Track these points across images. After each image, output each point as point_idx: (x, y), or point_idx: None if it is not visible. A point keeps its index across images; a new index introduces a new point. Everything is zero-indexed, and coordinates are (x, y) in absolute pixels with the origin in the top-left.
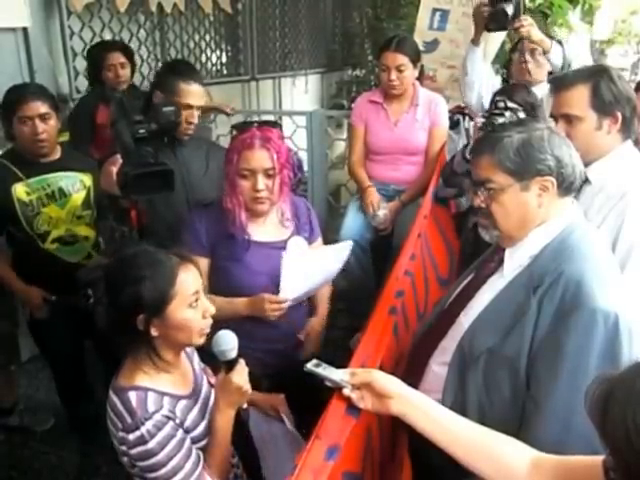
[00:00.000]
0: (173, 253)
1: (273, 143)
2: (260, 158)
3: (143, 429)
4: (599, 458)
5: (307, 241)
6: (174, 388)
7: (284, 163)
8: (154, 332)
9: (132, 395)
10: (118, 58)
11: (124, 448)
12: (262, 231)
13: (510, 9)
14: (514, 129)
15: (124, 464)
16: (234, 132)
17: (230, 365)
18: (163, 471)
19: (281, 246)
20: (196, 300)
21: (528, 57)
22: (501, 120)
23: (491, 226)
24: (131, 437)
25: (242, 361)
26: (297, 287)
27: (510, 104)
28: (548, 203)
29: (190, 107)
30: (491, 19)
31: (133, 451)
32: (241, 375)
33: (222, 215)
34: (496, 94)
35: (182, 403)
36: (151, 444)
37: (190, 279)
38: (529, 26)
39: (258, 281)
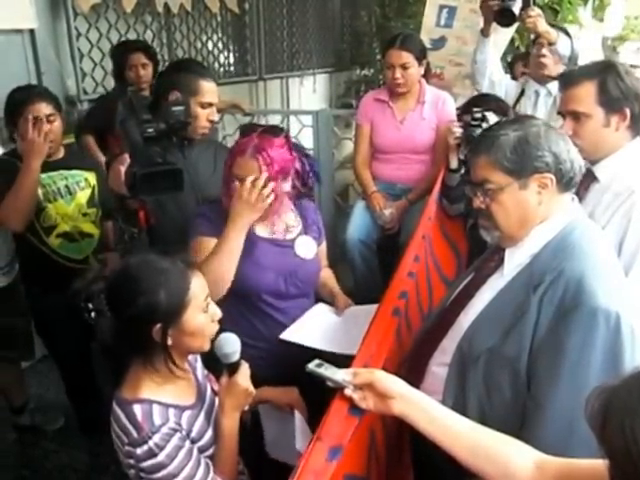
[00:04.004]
0: (178, 259)
1: (265, 154)
2: (248, 167)
3: (151, 443)
4: (604, 462)
5: (316, 240)
6: (178, 399)
7: (277, 175)
8: (170, 341)
9: (137, 409)
10: (139, 59)
11: (132, 461)
12: (269, 229)
13: (517, 6)
14: (510, 127)
15: (130, 476)
16: (242, 137)
17: (233, 367)
18: None
19: (288, 245)
20: (207, 305)
21: (546, 51)
22: (479, 131)
23: (492, 227)
24: (139, 451)
25: (245, 363)
26: (302, 336)
27: (485, 113)
28: (548, 200)
29: (211, 105)
30: (499, 15)
31: (144, 464)
32: (246, 377)
33: (225, 212)
34: (472, 105)
35: (187, 414)
36: (160, 457)
37: (201, 284)
38: (536, 18)
39: (268, 277)
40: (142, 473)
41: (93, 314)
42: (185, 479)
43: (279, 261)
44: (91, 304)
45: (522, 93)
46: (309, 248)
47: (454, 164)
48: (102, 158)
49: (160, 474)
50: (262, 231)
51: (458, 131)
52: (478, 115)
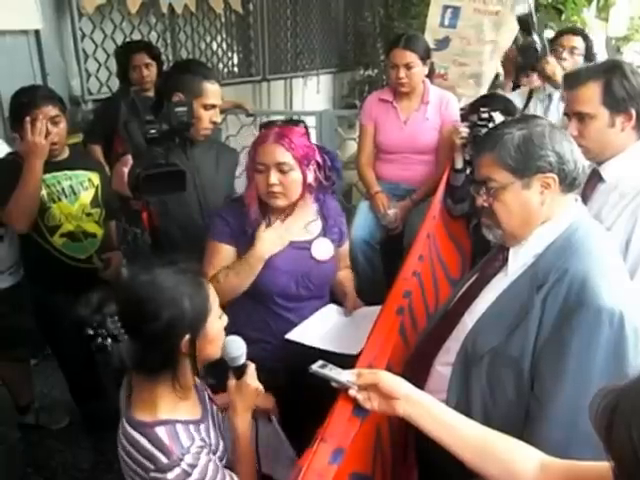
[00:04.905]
0: (186, 268)
1: (287, 139)
2: (272, 152)
3: (183, 465)
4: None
5: (336, 243)
6: (192, 414)
7: (301, 159)
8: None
9: (161, 432)
10: (142, 59)
11: None
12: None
13: (539, 45)
14: (515, 126)
15: None
16: (262, 130)
17: (241, 370)
18: None
19: (305, 246)
20: (221, 312)
21: (566, 55)
22: (485, 131)
23: (494, 225)
24: (171, 476)
25: (251, 363)
26: (307, 336)
27: (492, 113)
28: (551, 200)
29: (214, 107)
30: (521, 54)
31: None
32: (254, 377)
33: (244, 210)
34: (479, 105)
35: (202, 427)
36: (194, 475)
37: (214, 291)
38: (554, 67)
39: (279, 279)
40: None
41: (109, 340)
42: None
43: (293, 263)
44: (104, 330)
45: (529, 100)
46: (326, 250)
47: (459, 164)
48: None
49: None
50: None
51: (464, 131)
52: (485, 115)
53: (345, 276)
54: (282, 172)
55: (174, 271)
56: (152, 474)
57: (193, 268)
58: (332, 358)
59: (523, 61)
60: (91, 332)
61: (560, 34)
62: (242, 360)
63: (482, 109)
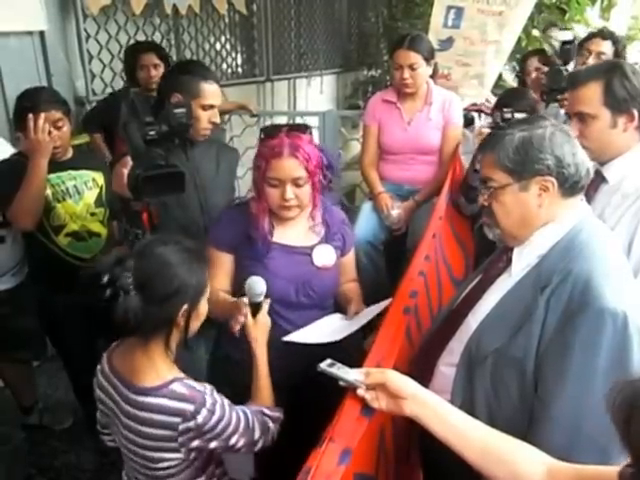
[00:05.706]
0: (190, 248)
1: (302, 151)
2: (289, 167)
3: (207, 404)
4: (616, 469)
5: (338, 251)
6: (182, 373)
7: (314, 170)
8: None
9: (177, 386)
10: (150, 59)
11: (191, 434)
12: (288, 235)
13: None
14: (517, 127)
15: (180, 460)
16: (262, 136)
17: (258, 306)
18: (231, 429)
19: (306, 252)
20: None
21: (592, 61)
22: None
23: (493, 224)
24: (200, 418)
25: (266, 300)
26: (304, 337)
27: (516, 114)
28: (549, 204)
29: (212, 107)
30: (549, 80)
31: (207, 427)
32: (265, 312)
33: (249, 216)
34: (502, 105)
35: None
36: (217, 412)
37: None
38: None
39: (278, 285)
40: (198, 441)
41: (121, 293)
42: (238, 420)
43: (292, 269)
44: (118, 282)
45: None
46: (327, 257)
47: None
48: (110, 157)
49: (222, 424)
50: (279, 237)
51: (486, 131)
52: (508, 115)
53: (350, 289)
54: (297, 186)
55: (183, 248)
56: (181, 426)
57: (198, 248)
58: (337, 357)
59: (549, 88)
60: (106, 281)
61: (588, 37)
62: (261, 298)
63: (505, 109)
